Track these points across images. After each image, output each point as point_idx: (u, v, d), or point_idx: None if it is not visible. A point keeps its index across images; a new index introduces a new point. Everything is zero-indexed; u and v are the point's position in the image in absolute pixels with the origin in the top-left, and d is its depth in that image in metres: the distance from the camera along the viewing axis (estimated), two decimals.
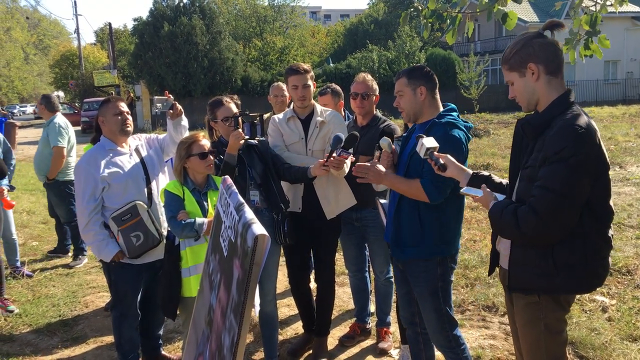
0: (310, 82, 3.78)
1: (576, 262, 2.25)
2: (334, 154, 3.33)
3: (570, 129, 2.17)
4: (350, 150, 3.37)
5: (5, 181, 5.31)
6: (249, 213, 1.77)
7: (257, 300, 3.61)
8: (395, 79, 3.09)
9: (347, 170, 3.58)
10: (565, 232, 2.22)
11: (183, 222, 3.20)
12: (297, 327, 4.50)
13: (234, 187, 2.24)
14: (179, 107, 3.73)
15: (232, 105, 3.66)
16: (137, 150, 3.72)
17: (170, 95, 3.75)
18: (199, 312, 2.37)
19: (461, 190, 2.59)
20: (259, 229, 1.58)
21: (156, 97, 3.66)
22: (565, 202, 2.17)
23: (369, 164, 2.98)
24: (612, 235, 2.34)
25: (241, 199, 2.00)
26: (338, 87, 4.52)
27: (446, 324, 3.01)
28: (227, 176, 2.66)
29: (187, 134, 3.69)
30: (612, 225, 2.36)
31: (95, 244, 3.54)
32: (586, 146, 2.16)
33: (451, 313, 3.05)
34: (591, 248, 2.26)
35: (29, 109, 56.05)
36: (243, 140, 3.44)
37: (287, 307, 4.96)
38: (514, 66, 2.37)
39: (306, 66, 3.82)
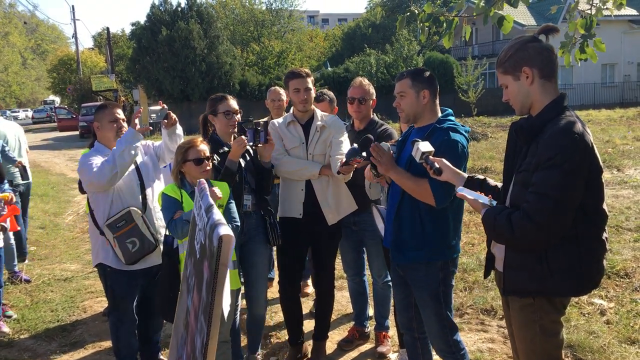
0: (311, 86, 3.81)
1: (570, 265, 2.26)
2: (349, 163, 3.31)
3: (564, 134, 2.18)
4: (364, 154, 3.34)
5: (6, 185, 5.05)
6: (217, 214, 1.77)
7: (226, 301, 3.56)
8: (397, 79, 3.04)
9: (350, 175, 3.59)
10: (559, 237, 2.23)
11: (175, 220, 3.17)
12: None
13: (207, 190, 2.26)
14: (174, 116, 3.71)
15: (234, 101, 3.67)
16: None
17: (165, 105, 3.75)
18: (179, 316, 2.38)
19: (457, 190, 2.58)
20: (224, 229, 1.57)
21: (150, 107, 3.65)
22: (559, 208, 2.17)
23: (386, 148, 2.95)
24: (606, 238, 2.34)
25: (211, 201, 2.00)
26: (331, 93, 4.60)
27: (447, 328, 3.00)
28: (202, 179, 2.68)
29: (182, 141, 3.69)
30: (607, 228, 2.37)
31: (119, 157, 3.40)
32: (579, 151, 2.17)
33: (452, 318, 3.05)
34: (585, 251, 2.27)
35: (21, 114, 55.79)
36: (246, 147, 3.46)
37: None
38: (508, 69, 2.38)
39: (307, 70, 3.87)
